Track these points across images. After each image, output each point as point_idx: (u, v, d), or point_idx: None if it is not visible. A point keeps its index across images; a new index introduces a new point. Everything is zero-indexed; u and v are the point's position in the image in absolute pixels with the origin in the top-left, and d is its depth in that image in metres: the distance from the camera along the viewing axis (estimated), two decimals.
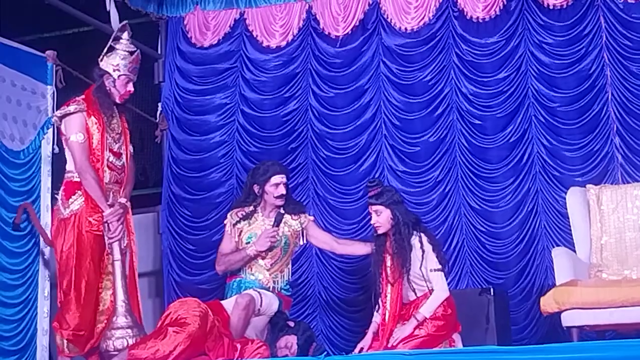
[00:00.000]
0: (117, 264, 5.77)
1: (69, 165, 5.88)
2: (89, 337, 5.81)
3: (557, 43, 7.55)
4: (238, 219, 6.32)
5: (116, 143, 5.94)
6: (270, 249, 6.18)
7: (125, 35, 6.00)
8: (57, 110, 6.15)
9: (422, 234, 5.88)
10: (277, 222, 6.20)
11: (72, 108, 5.80)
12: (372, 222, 5.97)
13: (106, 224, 5.78)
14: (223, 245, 6.37)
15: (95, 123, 5.82)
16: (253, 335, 5.99)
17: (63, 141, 5.90)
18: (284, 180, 6.27)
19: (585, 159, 7.39)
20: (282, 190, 6.23)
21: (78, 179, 5.79)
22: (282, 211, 6.26)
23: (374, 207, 5.92)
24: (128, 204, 5.96)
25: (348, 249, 6.46)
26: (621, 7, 7.37)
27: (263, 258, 6.21)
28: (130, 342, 5.65)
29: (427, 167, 7.73)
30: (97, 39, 8.13)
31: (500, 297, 6.93)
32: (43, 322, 6.68)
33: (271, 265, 6.23)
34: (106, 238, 5.78)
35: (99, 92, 5.88)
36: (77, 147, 5.76)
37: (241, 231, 6.27)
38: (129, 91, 5.97)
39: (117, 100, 5.94)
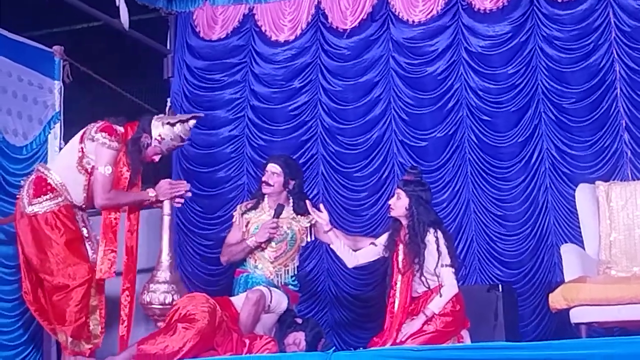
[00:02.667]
0: (166, 219, 6.00)
1: (56, 166, 5.95)
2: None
3: (567, 37, 7.52)
4: (246, 209, 6.36)
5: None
6: (269, 240, 6.19)
7: (191, 124, 6.05)
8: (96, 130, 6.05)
9: (439, 233, 5.86)
10: (277, 214, 6.21)
11: (114, 144, 5.84)
12: (389, 202, 5.99)
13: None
14: (229, 235, 6.42)
15: (124, 165, 5.92)
16: (261, 332, 5.99)
17: (81, 159, 5.90)
18: (275, 169, 6.28)
19: (595, 155, 7.36)
20: (268, 177, 6.27)
21: (55, 181, 5.84)
22: (292, 203, 6.30)
23: (398, 190, 5.94)
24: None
25: (357, 244, 6.45)
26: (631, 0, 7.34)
27: (263, 249, 6.24)
28: (175, 297, 5.81)
29: (437, 165, 7.71)
30: (106, 34, 8.17)
31: (508, 293, 6.92)
32: None
33: (275, 258, 6.25)
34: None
35: (134, 146, 5.95)
36: (102, 179, 5.83)
37: (248, 222, 6.30)
38: (153, 160, 6.07)
39: (140, 159, 6.03)
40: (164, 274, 5.88)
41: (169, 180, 6.23)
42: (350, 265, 6.13)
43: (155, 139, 5.94)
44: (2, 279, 6.50)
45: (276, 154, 6.76)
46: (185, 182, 6.23)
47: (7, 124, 6.63)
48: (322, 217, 6.10)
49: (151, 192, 6.05)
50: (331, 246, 6.17)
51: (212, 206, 8.14)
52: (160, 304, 5.81)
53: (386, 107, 7.92)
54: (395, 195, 5.95)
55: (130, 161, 5.89)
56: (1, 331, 6.47)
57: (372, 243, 6.09)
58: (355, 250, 6.13)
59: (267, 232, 6.17)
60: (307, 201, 6.20)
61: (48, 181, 5.84)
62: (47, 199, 5.81)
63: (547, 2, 7.58)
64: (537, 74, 7.56)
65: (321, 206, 6.16)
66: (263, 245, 6.23)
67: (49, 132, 6.84)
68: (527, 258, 7.41)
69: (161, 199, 6.08)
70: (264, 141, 8.12)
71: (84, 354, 5.79)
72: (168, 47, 8.54)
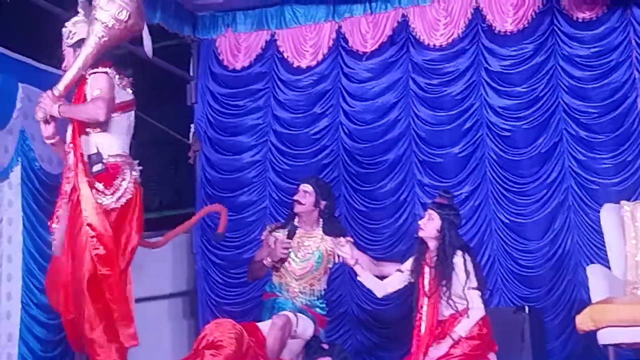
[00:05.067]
0: None
1: None
2: None
3: (587, 55, 7.51)
4: (275, 227, 6.41)
5: None
6: (282, 260, 6.20)
7: None
8: None
9: (467, 256, 5.83)
10: (291, 234, 6.23)
11: None
12: (420, 222, 5.95)
13: None
14: (257, 254, 6.47)
15: None
16: (288, 357, 5.97)
17: None
18: (307, 188, 6.31)
19: (617, 171, 7.33)
20: (300, 196, 6.29)
21: None
22: (296, 224, 6.31)
23: (430, 212, 5.90)
24: None
25: (384, 271, 6.42)
26: None
27: (277, 270, 6.24)
28: None
29: (456, 182, 7.69)
30: (128, 62, 8.17)
31: (534, 315, 6.91)
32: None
33: (300, 275, 6.24)
34: None
35: None
36: None
37: (277, 239, 6.29)
38: None
39: None
40: None
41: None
42: (379, 295, 6.09)
43: None
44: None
45: (309, 176, 6.81)
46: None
47: (42, 152, 6.67)
48: (344, 251, 6.07)
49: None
50: (358, 278, 6.13)
51: (235, 230, 8.12)
52: None
53: (405, 127, 7.93)
54: (427, 216, 5.92)
55: None
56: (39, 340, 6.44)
57: (399, 270, 6.05)
58: (381, 277, 6.09)
59: (280, 251, 6.18)
60: (332, 238, 6.20)
61: None
62: None
63: (567, 22, 7.59)
64: (558, 91, 7.56)
65: (345, 240, 6.13)
66: (277, 265, 6.23)
67: None
68: (550, 277, 7.36)
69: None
70: (286, 165, 8.14)
71: None
72: (191, 73, 8.58)
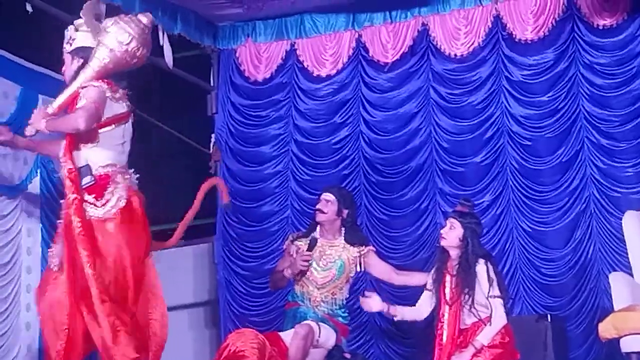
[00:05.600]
0: None
1: None
2: None
3: (608, 63, 7.52)
4: (297, 237, 6.42)
5: None
6: (302, 273, 6.20)
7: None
8: None
9: (489, 264, 5.84)
10: (311, 247, 6.23)
11: None
12: (441, 230, 5.95)
13: None
14: (279, 263, 6.49)
15: None
16: None
17: None
18: (328, 197, 6.30)
19: (639, 178, 7.32)
20: (322, 205, 6.28)
21: None
22: (317, 233, 6.31)
23: (452, 220, 5.90)
24: None
25: (407, 280, 6.43)
26: None
27: (297, 282, 6.25)
28: None
29: (477, 190, 7.71)
30: (149, 73, 8.23)
31: (557, 323, 6.90)
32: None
33: (322, 284, 6.24)
34: None
35: None
36: None
37: (299, 249, 6.31)
38: None
39: None
40: None
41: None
42: (421, 319, 6.05)
43: None
44: None
45: (330, 185, 6.85)
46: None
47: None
48: (373, 305, 6.08)
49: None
50: (396, 319, 6.12)
51: (257, 240, 8.19)
52: None
53: (426, 136, 7.94)
54: (449, 225, 5.92)
55: None
56: None
57: (426, 289, 6.03)
58: (403, 286, 6.12)
59: (300, 264, 6.19)
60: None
61: None
62: None
63: (588, 29, 7.60)
64: (579, 99, 7.56)
65: (371, 295, 6.14)
66: (297, 277, 6.24)
67: None
68: (572, 285, 7.36)
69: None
70: (307, 175, 8.17)
71: None
72: (211, 84, 8.61)
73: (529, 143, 7.65)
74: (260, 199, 8.26)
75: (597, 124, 7.49)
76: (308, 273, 6.25)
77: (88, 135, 4.95)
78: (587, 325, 7.15)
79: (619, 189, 7.36)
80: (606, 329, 6.02)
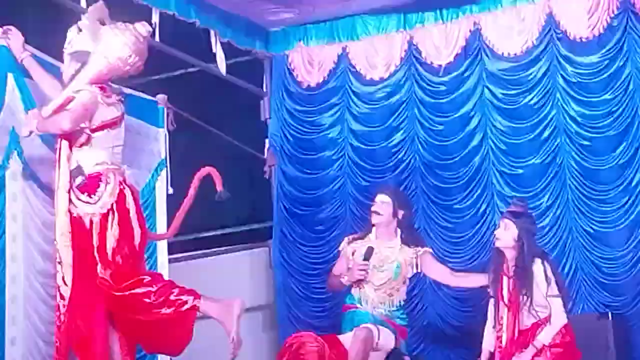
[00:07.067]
0: None
1: None
2: None
3: None
4: (353, 239, 6.50)
5: None
6: (360, 281, 6.27)
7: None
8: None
9: (546, 263, 5.89)
10: (367, 257, 6.28)
11: None
12: (495, 232, 6.04)
13: None
14: (336, 266, 6.55)
15: None
16: None
17: None
18: (384, 199, 6.38)
19: None
20: (377, 207, 6.37)
21: None
22: (374, 235, 6.40)
23: (506, 221, 5.98)
24: None
25: (464, 282, 6.49)
26: None
27: (358, 288, 6.31)
28: None
29: (536, 191, 7.71)
30: (203, 79, 8.36)
31: (619, 321, 6.90)
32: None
33: (379, 286, 6.30)
34: None
35: None
36: None
37: (355, 251, 6.39)
38: None
39: None
40: None
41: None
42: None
43: None
44: None
45: (385, 185, 6.95)
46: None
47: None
48: None
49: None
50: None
51: (314, 244, 8.25)
52: None
53: (483, 138, 7.96)
54: (503, 226, 5.99)
55: None
56: None
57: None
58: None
59: (357, 273, 6.26)
60: None
61: None
62: None
63: None
64: (637, 97, 7.53)
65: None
66: (354, 285, 6.31)
67: (157, 180, 6.98)
68: (634, 283, 7.34)
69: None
70: (364, 180, 8.19)
71: None
72: (264, 89, 8.67)
73: (588, 142, 7.65)
74: (318, 204, 8.32)
75: None
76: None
77: (79, 138, 5.15)
78: None
79: None
80: None
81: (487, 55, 8.00)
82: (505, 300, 5.91)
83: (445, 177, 8.02)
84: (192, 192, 5.61)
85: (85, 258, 5.11)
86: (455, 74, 8.08)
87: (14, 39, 5.54)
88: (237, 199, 8.19)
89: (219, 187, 5.67)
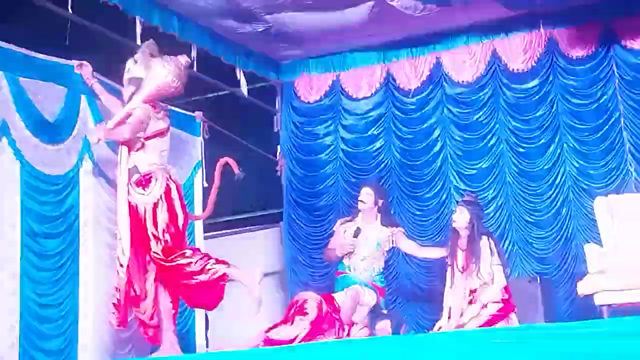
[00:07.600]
0: None
1: None
2: None
3: (580, 85, 7.51)
4: (345, 221, 6.45)
5: None
6: (349, 253, 6.24)
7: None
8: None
9: (491, 240, 5.93)
10: (355, 235, 6.26)
11: None
12: (453, 216, 6.04)
13: None
14: (331, 241, 6.49)
15: None
16: (357, 320, 6.04)
17: None
18: (367, 191, 6.34)
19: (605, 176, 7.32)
20: (362, 197, 6.32)
21: None
22: (360, 218, 6.35)
23: (461, 208, 5.98)
24: None
25: (428, 253, 6.49)
26: None
27: (348, 258, 6.27)
28: None
29: (484, 187, 7.68)
30: (230, 100, 8.38)
31: (545, 284, 6.87)
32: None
33: (364, 257, 6.26)
34: None
35: None
36: None
37: (345, 230, 6.35)
38: None
39: None
40: None
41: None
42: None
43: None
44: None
45: (368, 181, 7.05)
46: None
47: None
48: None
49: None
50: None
51: (315, 225, 8.22)
52: None
53: (443, 146, 7.92)
54: (458, 211, 6.00)
55: None
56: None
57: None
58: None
59: (347, 247, 6.24)
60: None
61: None
62: None
63: (564, 60, 7.59)
64: (560, 115, 7.52)
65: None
66: (345, 256, 6.27)
67: (195, 176, 6.99)
68: (557, 255, 7.33)
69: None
70: (352, 177, 8.13)
71: None
72: (276, 107, 8.63)
73: (523, 150, 7.63)
74: (317, 195, 8.27)
75: (571, 133, 7.48)
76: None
77: (136, 144, 5.21)
78: (569, 285, 7.11)
79: (589, 182, 7.35)
80: (583, 287, 6.06)
81: (446, 82, 7.98)
82: (460, 267, 5.93)
83: (414, 174, 7.99)
84: (216, 180, 5.67)
85: (140, 236, 5.17)
86: (421, 96, 8.07)
87: (85, 69, 5.58)
88: (255, 191, 8.21)
89: (236, 171, 5.74)
